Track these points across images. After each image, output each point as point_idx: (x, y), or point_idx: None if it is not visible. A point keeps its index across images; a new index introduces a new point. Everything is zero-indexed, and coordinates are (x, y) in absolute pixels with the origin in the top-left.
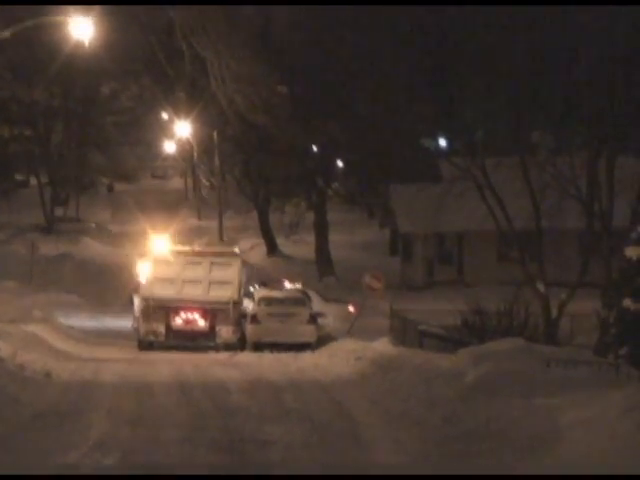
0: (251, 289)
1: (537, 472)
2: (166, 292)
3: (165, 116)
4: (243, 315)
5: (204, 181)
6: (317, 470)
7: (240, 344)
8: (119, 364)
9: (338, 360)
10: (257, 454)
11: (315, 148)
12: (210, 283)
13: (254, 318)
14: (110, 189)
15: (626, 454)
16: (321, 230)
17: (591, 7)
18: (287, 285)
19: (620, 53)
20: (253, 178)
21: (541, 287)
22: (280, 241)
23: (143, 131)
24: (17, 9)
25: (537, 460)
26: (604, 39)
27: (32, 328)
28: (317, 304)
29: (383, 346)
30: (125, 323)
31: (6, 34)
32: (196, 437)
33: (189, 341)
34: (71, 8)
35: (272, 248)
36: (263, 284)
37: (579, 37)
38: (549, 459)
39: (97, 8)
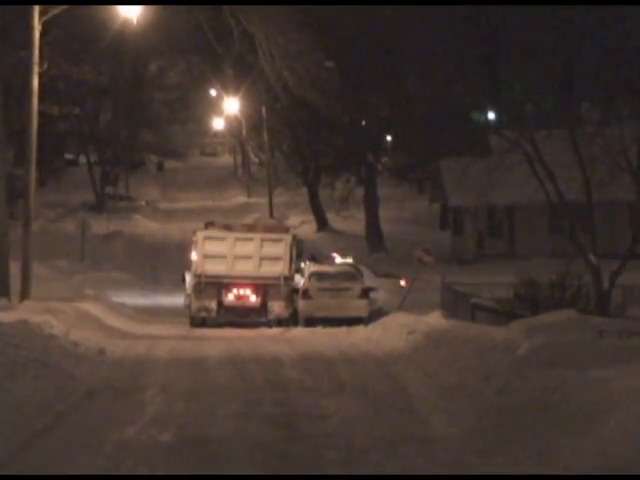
0: (302, 265)
1: (592, 441)
2: (217, 268)
3: (213, 93)
4: (295, 290)
5: (253, 158)
6: (373, 443)
7: (292, 319)
8: (172, 340)
9: (391, 334)
10: (312, 427)
11: (364, 123)
12: (261, 259)
13: (306, 293)
14: (160, 167)
15: None
16: (371, 205)
17: None
18: (338, 260)
19: None
20: (302, 154)
21: (592, 259)
22: (330, 217)
23: (192, 108)
24: None
25: (591, 431)
26: None
27: (84, 306)
28: (368, 279)
29: (435, 319)
30: (177, 300)
31: (55, 11)
32: (250, 411)
33: (241, 317)
34: None
35: (322, 224)
36: (313, 259)
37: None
38: (603, 430)
39: None
